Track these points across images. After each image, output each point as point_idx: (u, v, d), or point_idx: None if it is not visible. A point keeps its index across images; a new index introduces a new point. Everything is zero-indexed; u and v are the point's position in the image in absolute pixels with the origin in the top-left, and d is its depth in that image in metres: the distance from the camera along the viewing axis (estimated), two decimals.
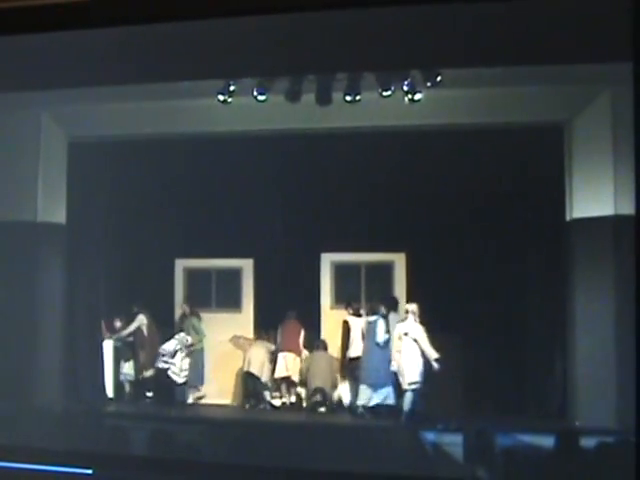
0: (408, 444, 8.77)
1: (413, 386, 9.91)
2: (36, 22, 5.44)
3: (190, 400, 11.03)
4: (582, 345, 9.37)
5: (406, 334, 10.02)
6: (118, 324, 11.29)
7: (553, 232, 9.88)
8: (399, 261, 10.67)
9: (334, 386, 10.76)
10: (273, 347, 10.96)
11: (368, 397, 10.22)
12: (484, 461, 7.65)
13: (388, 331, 10.25)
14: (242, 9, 5.29)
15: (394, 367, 10.06)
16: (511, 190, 9.87)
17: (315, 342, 10.86)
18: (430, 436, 8.84)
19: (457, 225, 10.05)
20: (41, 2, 5.28)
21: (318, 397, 10.66)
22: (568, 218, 9.75)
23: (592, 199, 9.42)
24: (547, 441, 7.56)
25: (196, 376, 11.06)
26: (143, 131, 10.42)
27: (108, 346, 11.28)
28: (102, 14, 5.41)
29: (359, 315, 10.64)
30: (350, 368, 10.65)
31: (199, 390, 11.11)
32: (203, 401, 11.08)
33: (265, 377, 10.88)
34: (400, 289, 10.68)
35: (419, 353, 9.92)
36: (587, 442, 7.36)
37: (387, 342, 10.21)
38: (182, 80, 8.39)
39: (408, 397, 9.95)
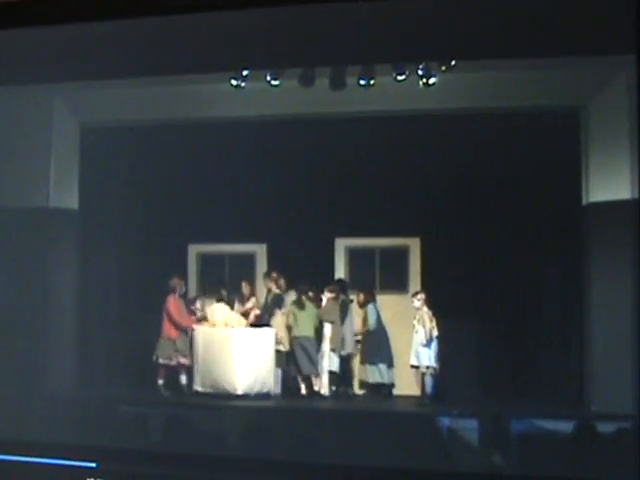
0: (423, 429, 8.77)
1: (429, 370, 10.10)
2: (50, 12, 5.42)
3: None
4: (599, 330, 9.33)
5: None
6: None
7: (569, 216, 9.84)
8: (414, 246, 10.64)
9: None
10: None
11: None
12: (499, 446, 7.67)
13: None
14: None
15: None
16: (526, 174, 9.80)
17: None
18: (445, 421, 8.86)
19: (472, 210, 10.02)
20: None
21: None
22: (584, 202, 9.75)
23: (608, 183, 9.35)
24: (563, 426, 7.56)
25: None
26: (155, 116, 10.40)
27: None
28: (116, 5, 5.40)
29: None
30: None
31: None
32: None
33: None
34: (415, 273, 10.67)
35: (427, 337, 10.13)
36: (603, 427, 7.35)
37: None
38: (196, 71, 8.37)
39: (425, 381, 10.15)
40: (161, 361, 10.86)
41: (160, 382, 10.86)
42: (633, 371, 8.30)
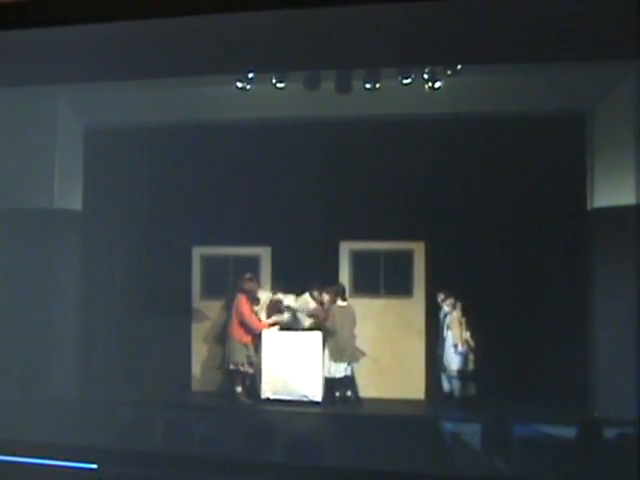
0: (427, 433, 8.75)
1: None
2: (54, 13, 5.40)
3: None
4: (602, 335, 9.35)
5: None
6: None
7: (574, 221, 9.85)
8: (418, 249, 10.62)
9: None
10: None
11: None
12: (503, 451, 7.64)
13: None
14: (264, 3, 5.25)
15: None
16: (532, 179, 9.81)
17: None
18: (448, 424, 8.85)
19: (476, 214, 10.03)
20: None
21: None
22: (589, 207, 9.76)
23: (613, 188, 9.38)
24: (566, 431, 7.54)
25: None
26: (160, 119, 10.39)
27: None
28: (120, 7, 5.37)
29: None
30: None
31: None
32: None
33: None
34: (419, 277, 10.65)
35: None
36: (606, 433, 7.33)
37: None
38: (202, 74, 8.37)
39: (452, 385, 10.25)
40: (232, 367, 10.41)
41: (239, 389, 10.41)
42: (636, 377, 8.32)
